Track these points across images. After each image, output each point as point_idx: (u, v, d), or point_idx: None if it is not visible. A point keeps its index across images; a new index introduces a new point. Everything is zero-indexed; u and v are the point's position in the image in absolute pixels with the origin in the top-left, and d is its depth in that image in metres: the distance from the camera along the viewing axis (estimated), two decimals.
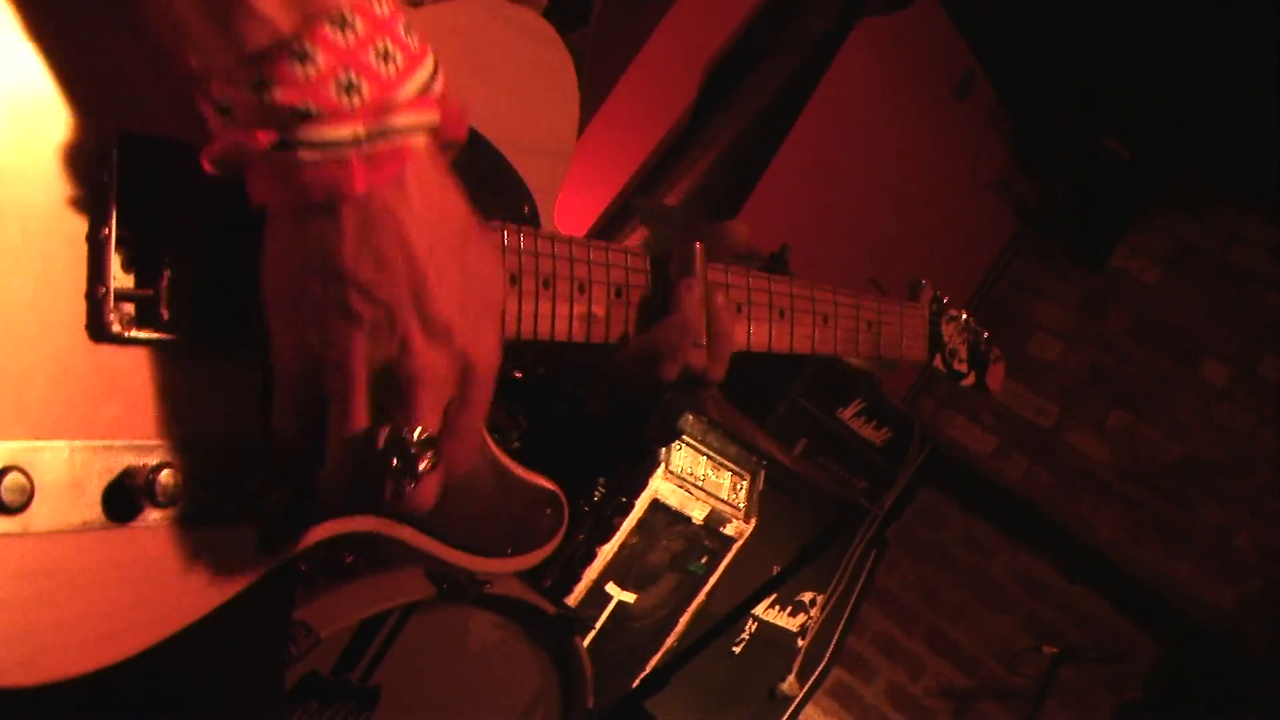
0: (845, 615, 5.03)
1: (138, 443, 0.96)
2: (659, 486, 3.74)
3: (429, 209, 0.97)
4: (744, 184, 4.18)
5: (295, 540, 1.10)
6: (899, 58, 4.79)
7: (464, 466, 1.07)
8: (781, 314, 1.53)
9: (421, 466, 0.98)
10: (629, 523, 3.71)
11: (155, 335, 0.97)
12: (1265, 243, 5.25)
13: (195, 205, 1.00)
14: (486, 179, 1.28)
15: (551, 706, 2.63)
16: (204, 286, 1.00)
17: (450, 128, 1.00)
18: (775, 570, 4.64)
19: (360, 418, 0.98)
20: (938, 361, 1.71)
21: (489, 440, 1.27)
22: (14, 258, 0.89)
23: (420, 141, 0.96)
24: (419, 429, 0.98)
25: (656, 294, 1.38)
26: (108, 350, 0.95)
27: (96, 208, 0.94)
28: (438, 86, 0.97)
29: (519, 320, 1.25)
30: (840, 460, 4.70)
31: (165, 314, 0.98)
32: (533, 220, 1.35)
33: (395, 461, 0.97)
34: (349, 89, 0.91)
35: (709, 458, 4.02)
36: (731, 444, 4.11)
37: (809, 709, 5.42)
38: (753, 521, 4.21)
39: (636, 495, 3.68)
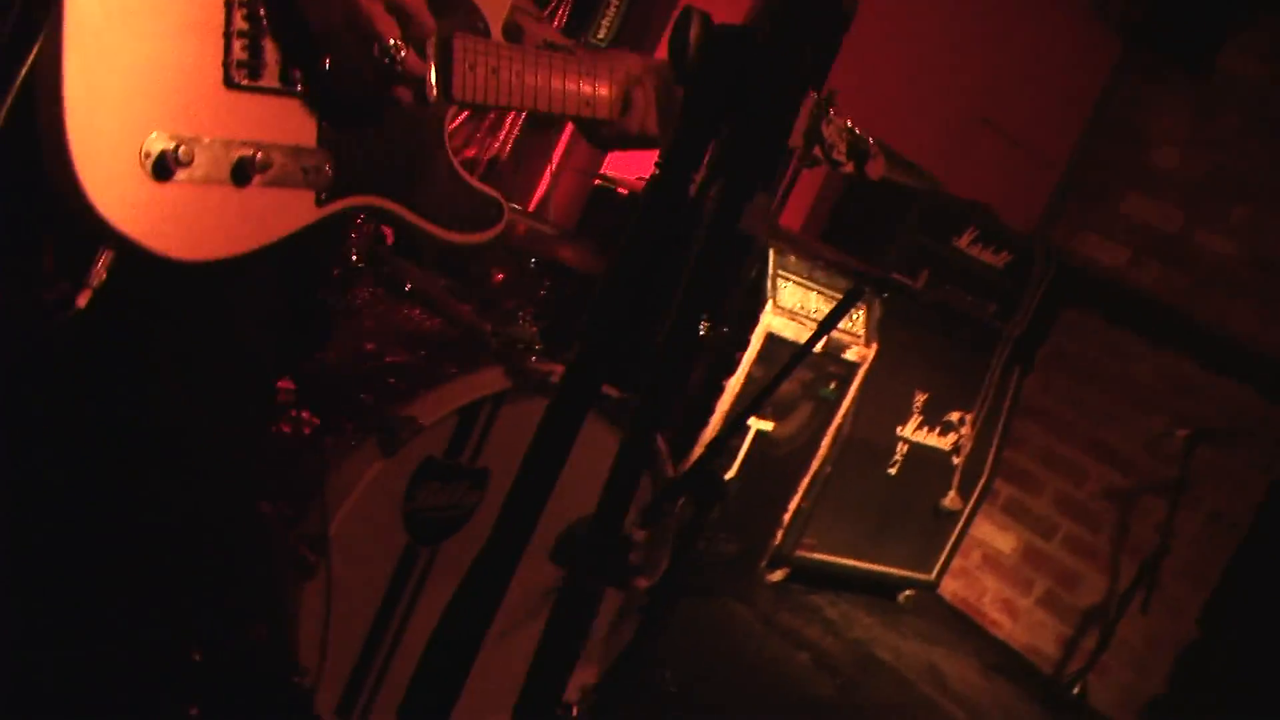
0: (999, 430, 5.30)
1: (250, 139, 1.60)
2: (770, 321, 4.01)
3: None
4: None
5: (338, 202, 1.72)
6: None
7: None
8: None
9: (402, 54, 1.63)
10: (749, 355, 3.99)
11: (260, 85, 1.61)
12: None
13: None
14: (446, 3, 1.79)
15: None
16: (288, 55, 1.64)
17: None
18: (920, 396, 5.03)
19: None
20: (816, 150, 1.99)
21: (450, 156, 1.85)
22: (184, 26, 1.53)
23: None
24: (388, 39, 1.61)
25: None
26: (235, 93, 1.59)
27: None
28: None
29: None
30: (965, 286, 4.94)
31: (265, 72, 1.61)
32: (485, 34, 1.87)
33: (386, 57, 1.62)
34: None
35: (819, 292, 4.22)
36: (839, 277, 4.29)
37: (983, 524, 5.73)
38: (874, 346, 4.41)
39: (749, 331, 3.96)
